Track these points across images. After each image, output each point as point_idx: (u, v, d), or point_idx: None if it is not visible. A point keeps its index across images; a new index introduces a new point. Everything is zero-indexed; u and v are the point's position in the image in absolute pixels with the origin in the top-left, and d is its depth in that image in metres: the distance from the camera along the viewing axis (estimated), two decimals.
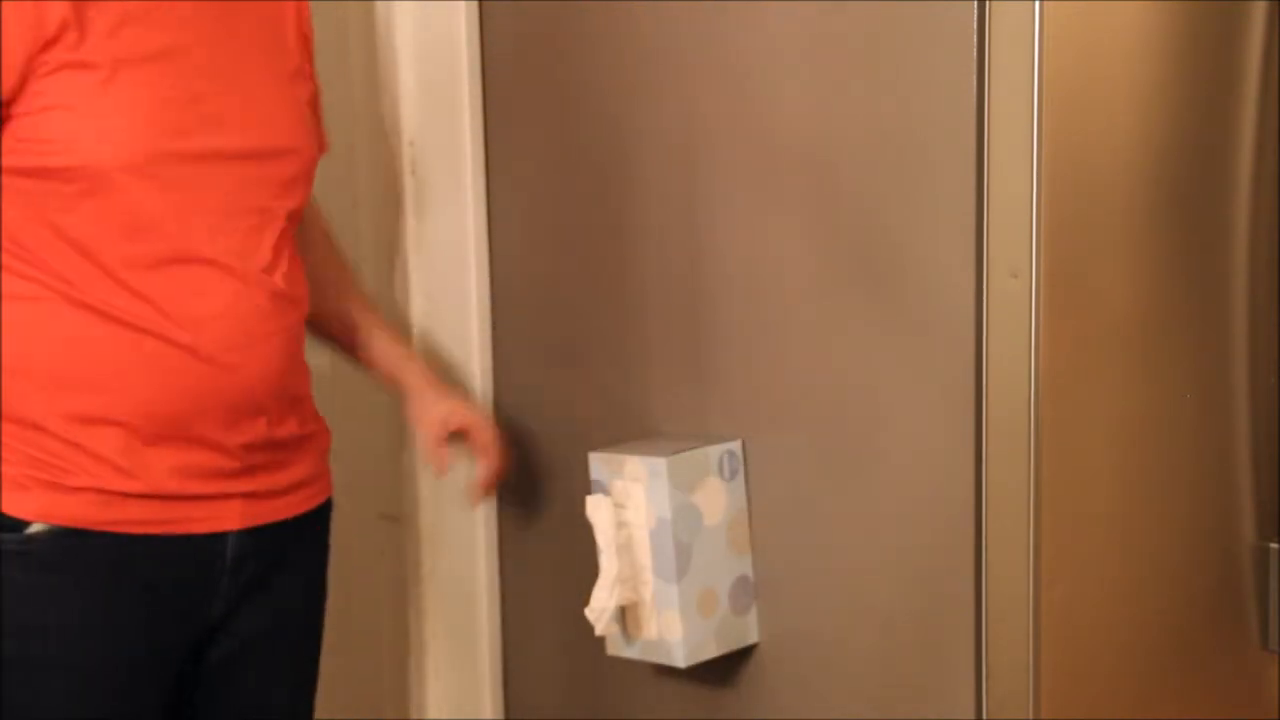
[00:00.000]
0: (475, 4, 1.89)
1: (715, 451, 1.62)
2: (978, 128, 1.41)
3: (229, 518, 1.56)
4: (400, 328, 1.98)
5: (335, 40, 2.08)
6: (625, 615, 1.65)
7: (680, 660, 1.61)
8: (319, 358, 2.32)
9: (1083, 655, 1.48)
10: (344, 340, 1.81)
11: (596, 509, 1.63)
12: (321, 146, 1.71)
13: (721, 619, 1.63)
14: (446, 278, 1.93)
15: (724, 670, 1.68)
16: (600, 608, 1.62)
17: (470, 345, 1.95)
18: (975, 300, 1.43)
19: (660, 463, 1.58)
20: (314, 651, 1.73)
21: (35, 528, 1.47)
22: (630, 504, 1.61)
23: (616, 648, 1.68)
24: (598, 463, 1.65)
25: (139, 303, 1.47)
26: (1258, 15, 1.50)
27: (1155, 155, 1.46)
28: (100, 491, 1.48)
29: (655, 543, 1.60)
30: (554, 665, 1.94)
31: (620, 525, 1.62)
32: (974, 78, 1.41)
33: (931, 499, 1.49)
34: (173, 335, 1.48)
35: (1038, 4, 1.36)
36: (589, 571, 1.87)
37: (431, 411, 1.79)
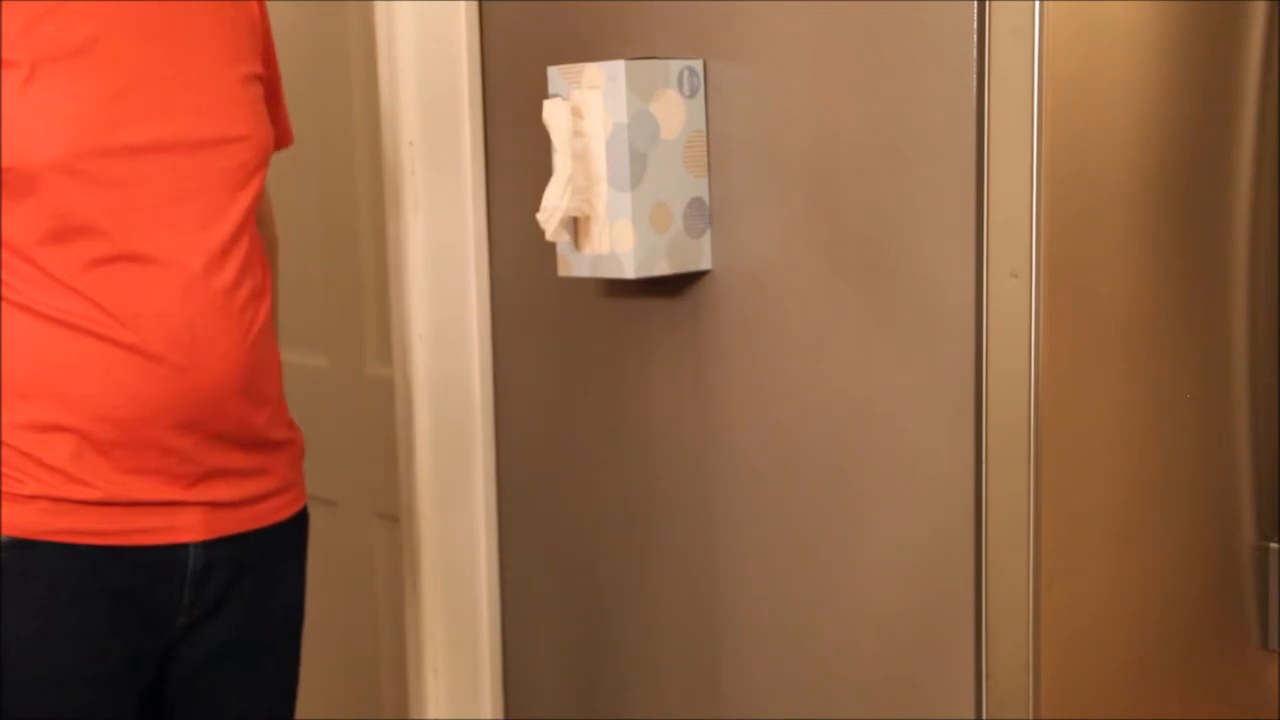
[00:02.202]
0: (475, 4, 1.89)
1: (675, 65, 1.61)
2: (978, 127, 1.41)
3: (190, 528, 1.53)
4: (400, 328, 1.98)
5: (335, 40, 2.09)
6: (577, 232, 1.64)
7: (630, 271, 1.60)
8: (318, 357, 2.33)
9: (1083, 655, 1.48)
10: None
11: (554, 112, 1.61)
12: (282, 138, 1.67)
13: (674, 237, 1.62)
14: (446, 278, 1.94)
15: (676, 289, 1.69)
16: (551, 207, 1.60)
17: (470, 345, 1.95)
18: (975, 300, 1.43)
19: (618, 66, 1.57)
20: (292, 664, 1.71)
21: None
22: (588, 113, 1.60)
23: (566, 266, 1.66)
24: (556, 75, 1.63)
25: (80, 302, 1.44)
26: (1258, 15, 1.50)
27: (1155, 155, 1.47)
28: (53, 500, 1.46)
29: (611, 150, 1.59)
30: (554, 665, 1.94)
31: (576, 135, 1.60)
32: (974, 78, 1.41)
33: (931, 499, 1.49)
34: (116, 335, 1.45)
35: (1038, 4, 1.36)
36: (589, 571, 1.88)
37: None
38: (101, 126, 1.44)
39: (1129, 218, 1.46)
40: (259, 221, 1.64)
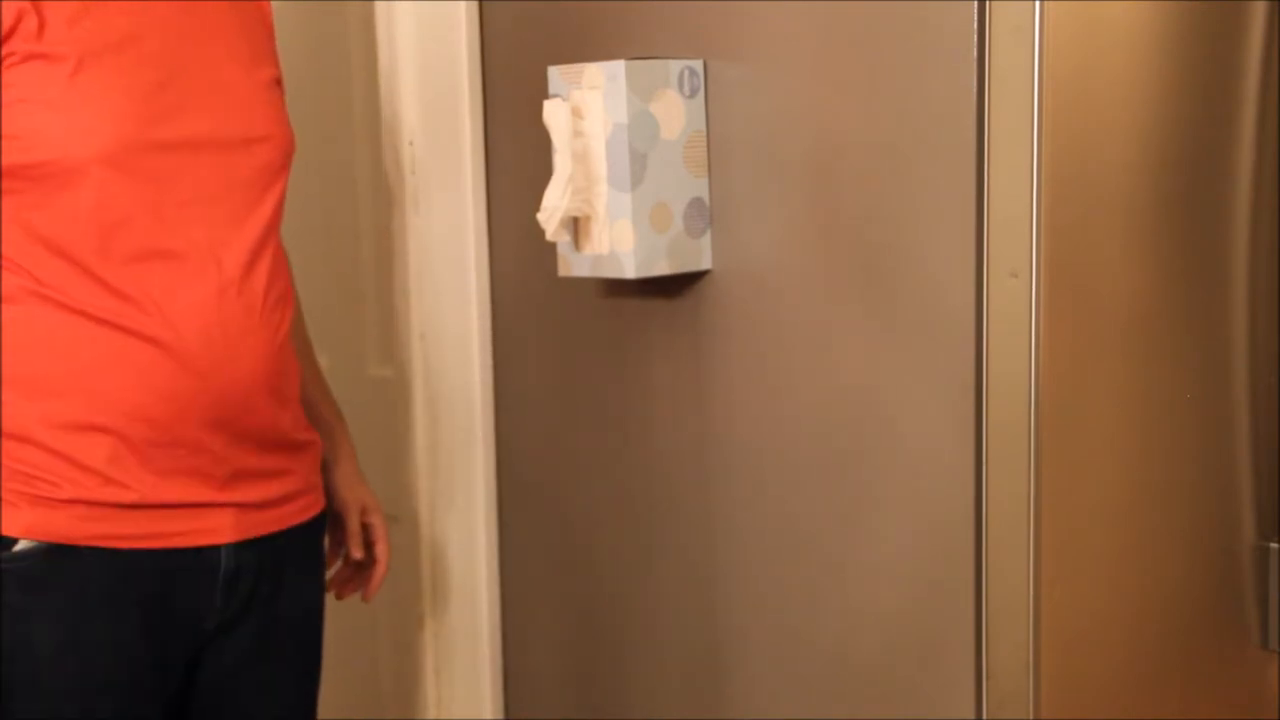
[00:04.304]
0: (475, 4, 1.89)
1: (675, 65, 1.62)
2: (978, 127, 1.41)
3: (222, 530, 1.52)
4: (400, 328, 1.98)
5: (335, 40, 2.08)
6: (578, 232, 1.65)
7: (630, 271, 1.60)
8: (319, 357, 2.32)
9: (1083, 656, 1.48)
10: None
11: (554, 112, 1.62)
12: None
13: (674, 237, 1.62)
14: (446, 278, 1.94)
15: (676, 289, 1.69)
16: (552, 207, 1.61)
17: (470, 345, 1.95)
18: (975, 300, 1.43)
19: (618, 66, 1.58)
20: (314, 666, 1.70)
21: (22, 545, 1.43)
22: (588, 113, 1.60)
23: (566, 266, 1.67)
24: (556, 75, 1.64)
25: (115, 300, 1.44)
26: (1258, 15, 1.50)
27: (1155, 155, 1.47)
28: (88, 504, 1.45)
29: (611, 150, 1.59)
30: (554, 665, 1.94)
31: (577, 135, 1.61)
32: (974, 78, 1.41)
33: (932, 499, 1.49)
34: (150, 331, 1.44)
35: (1038, 4, 1.36)
36: (589, 571, 1.87)
37: (357, 490, 1.76)
38: (143, 120, 1.45)
39: (1129, 218, 1.46)
40: None
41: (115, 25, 1.46)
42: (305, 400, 1.72)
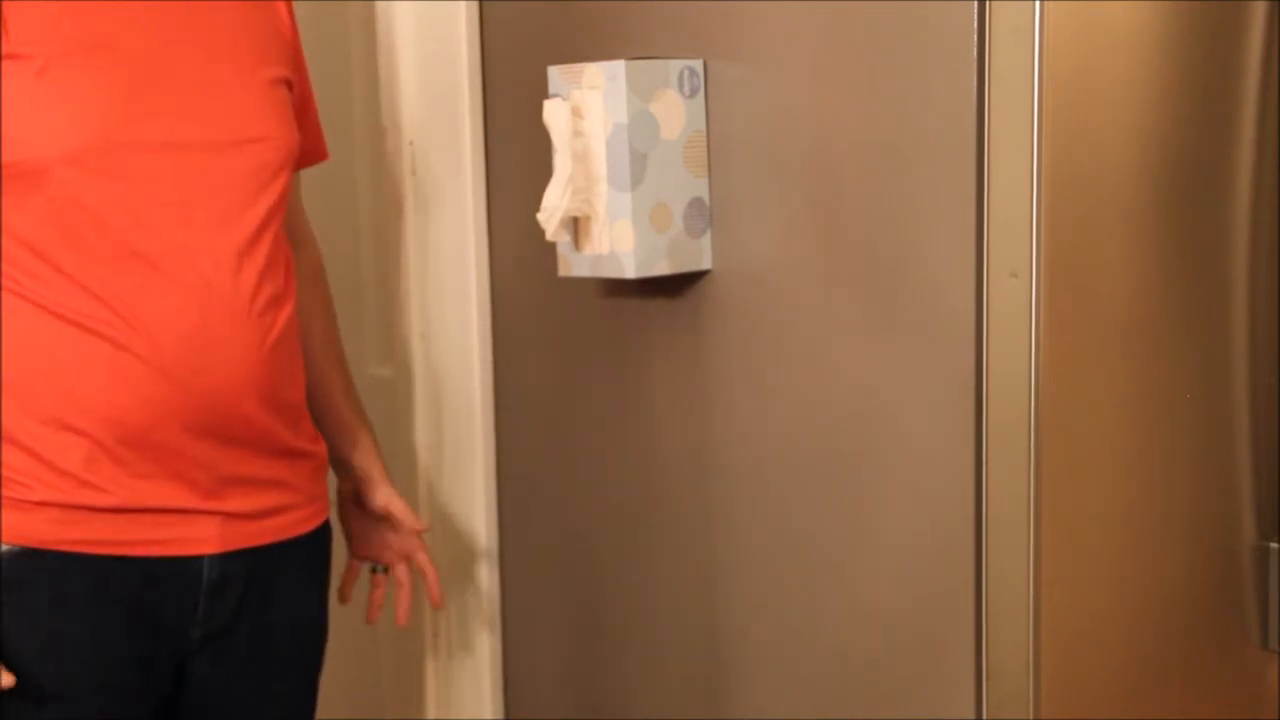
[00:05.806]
0: (475, 4, 1.89)
1: (675, 65, 1.62)
2: (978, 127, 1.41)
3: (206, 540, 1.50)
4: (400, 328, 1.98)
5: (335, 40, 2.08)
6: (578, 232, 1.65)
7: (630, 271, 1.60)
8: None
9: (1083, 655, 1.48)
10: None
11: (554, 112, 1.62)
12: (314, 152, 1.67)
13: (674, 237, 1.63)
14: (446, 278, 1.94)
15: (676, 289, 1.69)
16: (552, 207, 1.61)
17: (470, 345, 1.95)
18: (975, 300, 1.43)
19: (618, 66, 1.58)
20: (308, 685, 1.67)
21: None
22: (588, 113, 1.61)
23: (566, 266, 1.67)
24: (556, 74, 1.64)
25: (91, 302, 1.42)
26: (1258, 15, 1.50)
27: (1155, 155, 1.47)
28: (63, 507, 1.43)
29: (611, 150, 1.60)
30: (554, 665, 1.94)
31: (577, 135, 1.61)
32: (974, 78, 1.41)
33: (932, 499, 1.49)
34: (126, 338, 1.42)
35: (1038, 4, 1.36)
36: (589, 571, 1.87)
37: (392, 501, 1.76)
38: (115, 121, 1.43)
39: (1129, 218, 1.46)
40: (295, 244, 1.63)
41: (95, 26, 1.44)
42: (331, 408, 1.72)
